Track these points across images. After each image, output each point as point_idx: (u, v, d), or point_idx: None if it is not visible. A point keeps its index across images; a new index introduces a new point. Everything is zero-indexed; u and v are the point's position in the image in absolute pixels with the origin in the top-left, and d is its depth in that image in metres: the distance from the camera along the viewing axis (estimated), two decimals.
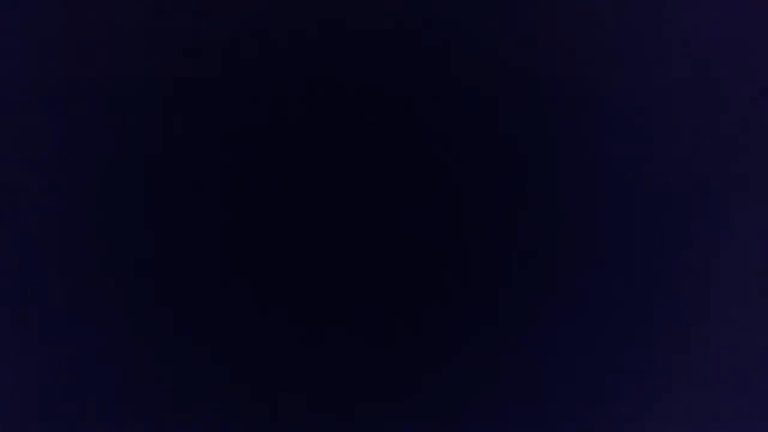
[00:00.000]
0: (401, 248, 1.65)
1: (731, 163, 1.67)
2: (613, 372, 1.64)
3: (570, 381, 1.64)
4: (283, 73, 1.67)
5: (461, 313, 1.64)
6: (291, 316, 1.64)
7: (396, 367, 1.64)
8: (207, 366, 1.64)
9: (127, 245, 1.65)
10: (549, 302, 1.65)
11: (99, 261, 1.65)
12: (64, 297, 1.64)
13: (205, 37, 1.67)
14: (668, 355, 1.64)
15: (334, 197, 1.66)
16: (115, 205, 1.65)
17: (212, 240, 1.65)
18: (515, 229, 1.65)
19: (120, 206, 1.65)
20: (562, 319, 1.64)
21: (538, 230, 1.65)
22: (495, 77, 1.67)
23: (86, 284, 1.64)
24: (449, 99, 1.67)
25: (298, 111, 1.67)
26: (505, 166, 1.66)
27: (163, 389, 1.63)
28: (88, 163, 1.66)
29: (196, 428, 1.64)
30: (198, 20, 1.67)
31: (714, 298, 1.65)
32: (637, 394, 1.64)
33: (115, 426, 1.63)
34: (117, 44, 1.67)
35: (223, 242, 1.65)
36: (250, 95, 1.67)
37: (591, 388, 1.64)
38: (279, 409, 1.64)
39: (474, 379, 1.64)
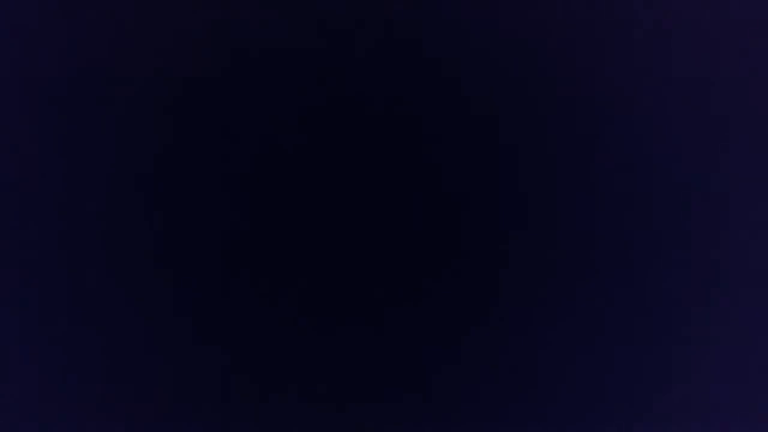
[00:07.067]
0: (402, 248, 1.65)
1: (731, 163, 1.67)
2: (613, 372, 1.64)
3: (570, 381, 1.64)
4: (284, 74, 1.67)
5: (461, 312, 1.65)
6: (293, 317, 1.65)
7: (395, 366, 1.64)
8: (207, 366, 1.64)
9: (128, 245, 1.65)
10: (549, 301, 1.65)
11: (99, 260, 1.65)
12: (64, 297, 1.65)
13: (205, 36, 1.67)
14: (668, 355, 1.64)
15: (335, 198, 1.66)
16: (116, 205, 1.66)
17: (212, 241, 1.65)
18: (515, 228, 1.66)
19: (120, 206, 1.66)
20: (563, 319, 1.65)
21: (538, 229, 1.66)
22: (494, 77, 1.67)
23: (87, 284, 1.64)
24: (448, 99, 1.67)
25: (297, 111, 1.67)
26: (504, 165, 1.66)
27: (165, 389, 1.64)
28: (89, 162, 1.66)
29: (198, 426, 1.64)
30: (200, 20, 1.67)
31: (714, 298, 1.65)
32: (636, 394, 1.64)
33: (116, 426, 1.64)
34: (118, 43, 1.67)
35: (223, 243, 1.65)
36: (251, 95, 1.67)
37: (590, 388, 1.64)
38: (279, 407, 1.64)
39: (473, 378, 1.64)
